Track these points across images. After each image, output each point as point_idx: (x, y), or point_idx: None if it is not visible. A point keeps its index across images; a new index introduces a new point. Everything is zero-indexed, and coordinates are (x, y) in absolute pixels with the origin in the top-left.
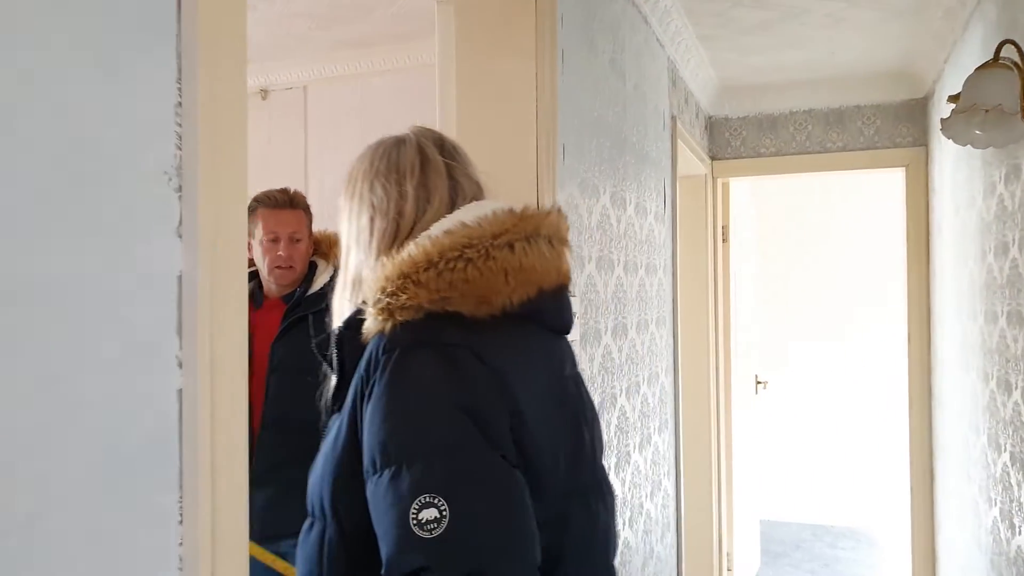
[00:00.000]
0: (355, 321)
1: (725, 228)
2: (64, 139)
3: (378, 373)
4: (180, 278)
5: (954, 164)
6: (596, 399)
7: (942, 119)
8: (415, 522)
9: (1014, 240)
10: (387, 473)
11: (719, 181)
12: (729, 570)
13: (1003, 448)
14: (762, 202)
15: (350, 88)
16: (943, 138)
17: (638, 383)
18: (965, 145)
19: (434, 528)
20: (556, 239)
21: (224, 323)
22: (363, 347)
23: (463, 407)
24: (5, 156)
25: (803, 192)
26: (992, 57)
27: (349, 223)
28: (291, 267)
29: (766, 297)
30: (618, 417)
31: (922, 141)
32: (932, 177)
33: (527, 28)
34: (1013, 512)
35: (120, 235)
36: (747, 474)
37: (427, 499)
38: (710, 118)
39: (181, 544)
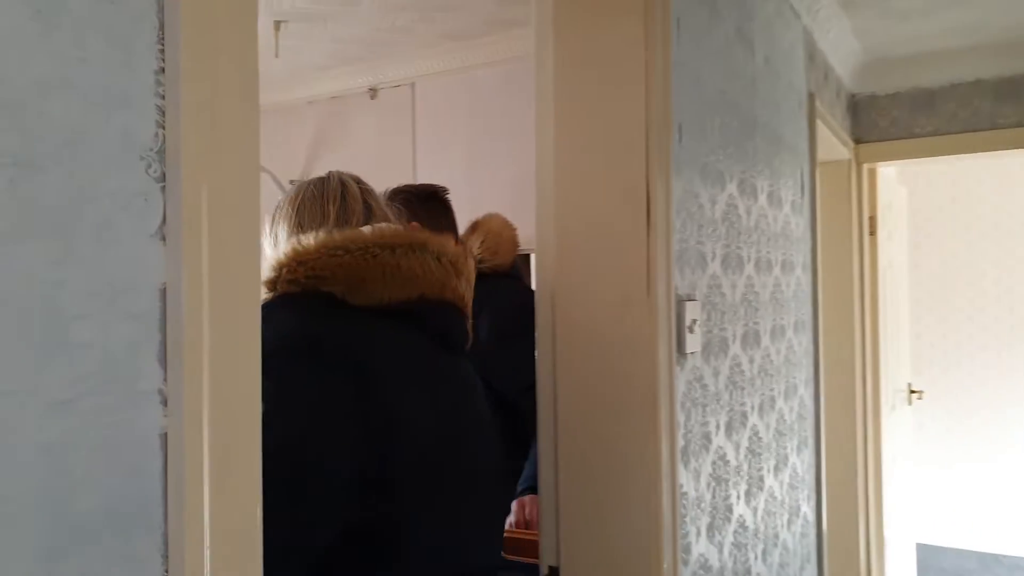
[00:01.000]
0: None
1: (872, 220)
2: None
3: None
4: (163, 291)
5: None
6: (723, 418)
7: None
8: None
9: None
10: None
11: (865, 167)
12: None
13: None
14: (916, 190)
15: (457, 82)
16: None
17: (773, 398)
18: None
19: None
20: (447, 259)
21: (226, 347)
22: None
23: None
24: None
25: (965, 177)
26: None
27: (276, 241)
28: None
29: (920, 296)
30: (749, 438)
31: None
32: None
33: None
34: None
35: (80, 238)
36: (901, 495)
37: None
38: (853, 96)
39: None
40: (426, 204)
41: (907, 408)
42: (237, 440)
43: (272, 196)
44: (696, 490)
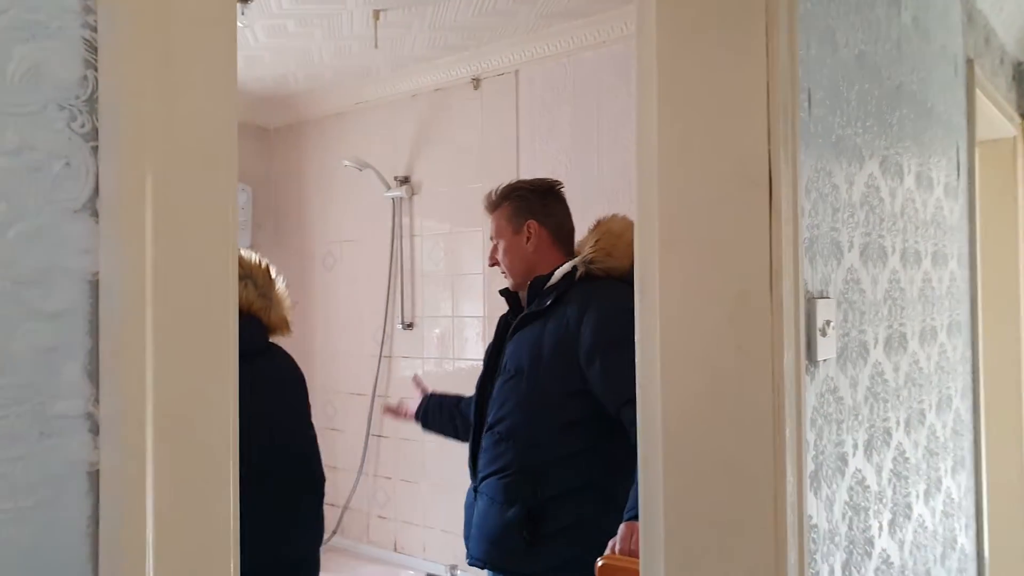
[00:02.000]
0: None
1: None
2: None
3: None
4: (95, 284)
5: None
6: (862, 436)
7: None
8: None
9: None
10: None
11: None
12: None
13: None
14: None
15: (561, 66)
16: None
17: (922, 411)
18: None
19: None
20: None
21: (182, 358)
22: None
23: None
24: None
25: None
26: None
27: None
28: (504, 272)
29: None
30: (894, 459)
31: None
32: None
33: None
34: None
35: None
36: None
37: None
38: (1020, 64)
39: None
40: (543, 199)
41: None
42: (198, 479)
43: (377, 194)
44: (829, 521)
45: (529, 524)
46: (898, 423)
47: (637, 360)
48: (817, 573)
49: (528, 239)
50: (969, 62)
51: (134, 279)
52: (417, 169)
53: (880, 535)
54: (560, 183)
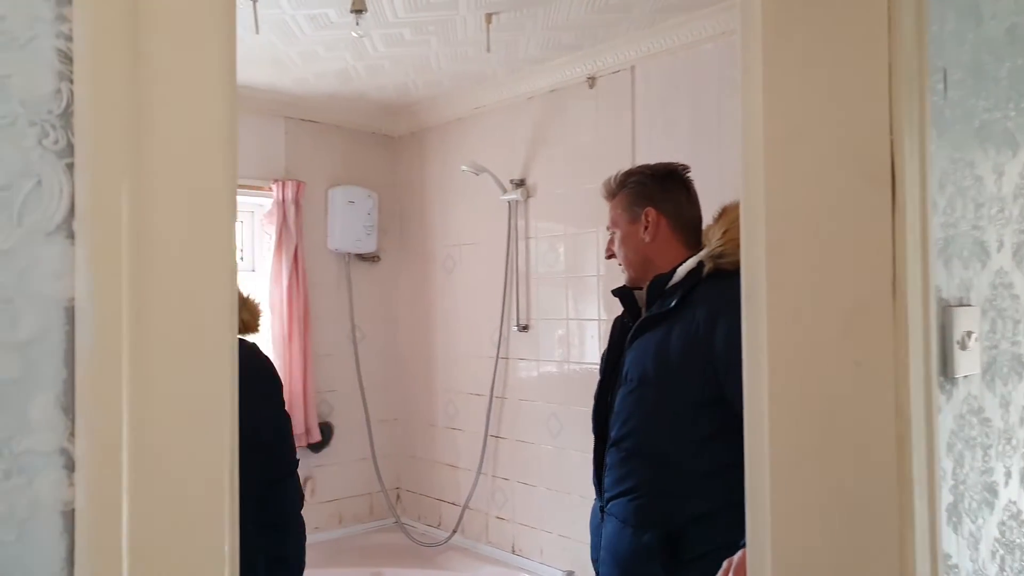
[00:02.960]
0: None
1: None
2: None
3: None
4: (71, 310)
5: None
6: (1017, 463)
7: None
8: None
9: None
10: None
11: None
12: None
13: None
14: None
15: (679, 60)
16: None
17: None
18: None
19: None
20: None
21: (165, 389)
22: None
23: None
24: None
25: None
26: None
27: None
28: (621, 264)
29: None
30: None
31: None
32: None
33: None
34: None
35: None
36: None
37: None
38: None
39: None
40: (663, 183)
41: None
42: (183, 518)
43: (494, 197)
44: (973, 560)
45: (667, 550)
46: None
47: (744, 376)
48: None
49: (646, 228)
50: None
51: (112, 305)
52: (532, 171)
53: None
54: (685, 167)
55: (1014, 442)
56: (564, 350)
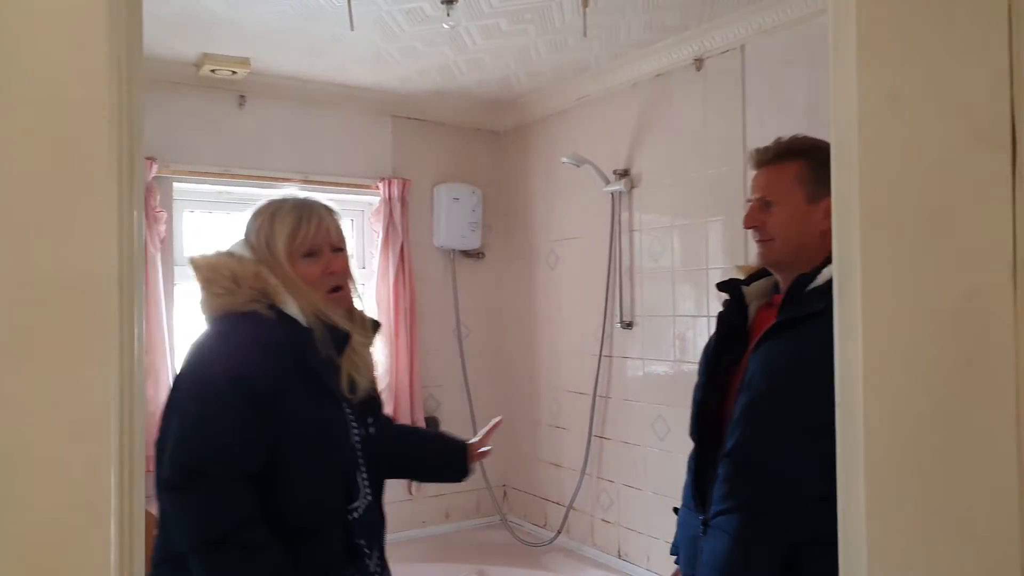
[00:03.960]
0: None
1: None
2: None
3: None
4: None
5: None
6: None
7: None
8: None
9: None
10: None
11: None
12: None
13: None
14: None
15: (794, 35)
16: None
17: None
18: None
19: None
20: None
21: None
22: None
23: None
24: None
25: None
26: None
27: None
28: (767, 240)
29: None
30: None
31: None
32: None
33: None
34: None
35: None
36: None
37: None
38: None
39: None
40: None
41: None
42: None
43: (596, 189)
44: None
45: (782, 574)
46: None
47: (836, 376)
48: None
49: (825, 216)
50: None
51: None
52: (637, 161)
53: None
54: None
55: None
56: (670, 349)
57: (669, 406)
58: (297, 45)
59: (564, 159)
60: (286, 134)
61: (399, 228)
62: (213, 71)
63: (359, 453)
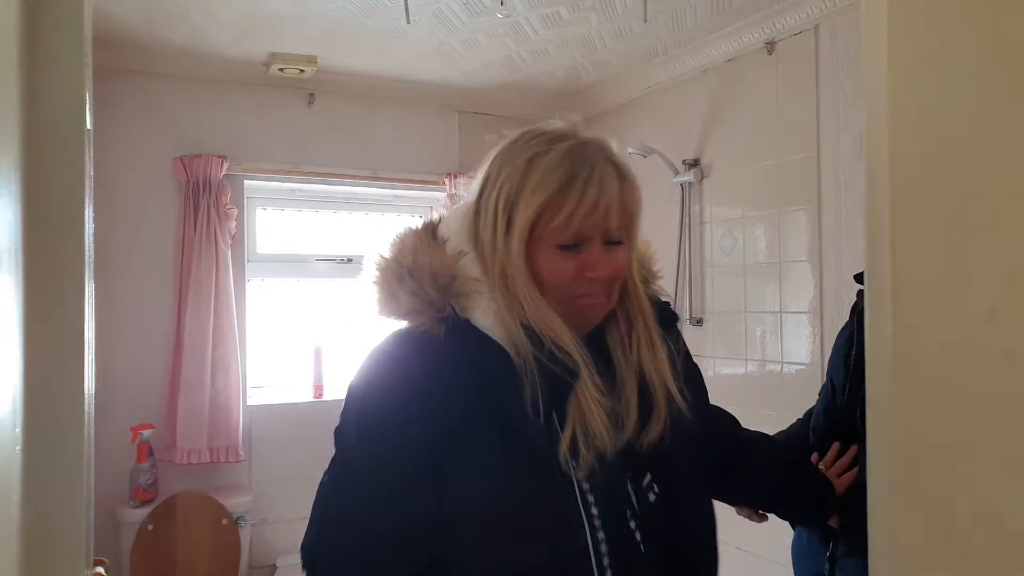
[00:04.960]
0: None
1: None
2: None
3: None
4: None
5: None
6: None
7: None
8: None
9: None
10: None
11: None
12: None
13: None
14: None
15: None
16: None
17: None
18: None
19: None
20: None
21: None
22: None
23: None
24: None
25: None
26: None
27: None
28: None
29: None
30: None
31: None
32: None
33: None
34: None
35: None
36: None
37: None
38: None
39: None
40: None
41: None
42: None
43: (666, 180)
44: None
45: None
46: None
47: (867, 370)
48: None
49: None
50: None
51: None
52: (707, 151)
53: None
54: None
55: None
56: (744, 347)
57: (743, 407)
58: (361, 42)
59: (630, 150)
60: (354, 131)
61: None
62: (281, 70)
63: (602, 540)
